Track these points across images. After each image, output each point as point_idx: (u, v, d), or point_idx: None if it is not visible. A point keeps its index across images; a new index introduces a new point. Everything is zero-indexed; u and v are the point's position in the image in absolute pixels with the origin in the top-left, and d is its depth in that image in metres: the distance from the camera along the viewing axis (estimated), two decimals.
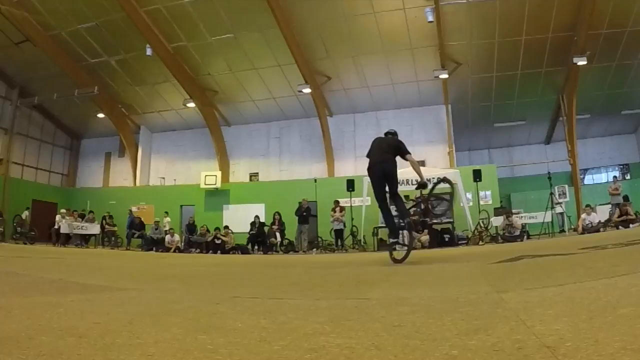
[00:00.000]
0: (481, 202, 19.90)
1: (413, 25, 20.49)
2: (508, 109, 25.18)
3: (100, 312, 2.75)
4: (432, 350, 1.69)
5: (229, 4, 20.22)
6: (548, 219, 18.79)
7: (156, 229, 21.33)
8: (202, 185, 24.80)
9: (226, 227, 20.61)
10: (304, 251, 18.96)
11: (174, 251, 20.17)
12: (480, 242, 17.26)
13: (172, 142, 28.07)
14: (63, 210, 22.19)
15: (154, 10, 20.68)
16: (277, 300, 3.45)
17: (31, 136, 27.12)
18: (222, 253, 19.08)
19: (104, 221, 22.52)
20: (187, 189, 25.62)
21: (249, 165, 26.66)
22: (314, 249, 19.06)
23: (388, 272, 6.08)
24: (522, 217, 19.75)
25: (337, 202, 19.77)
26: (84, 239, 21.60)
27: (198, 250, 20.31)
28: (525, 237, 18.00)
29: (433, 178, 18.53)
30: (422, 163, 23.27)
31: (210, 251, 19.72)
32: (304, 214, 19.70)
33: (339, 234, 19.30)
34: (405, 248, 7.29)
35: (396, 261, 7.06)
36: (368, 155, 7.64)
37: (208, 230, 20.78)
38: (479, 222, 18.49)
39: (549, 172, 19.80)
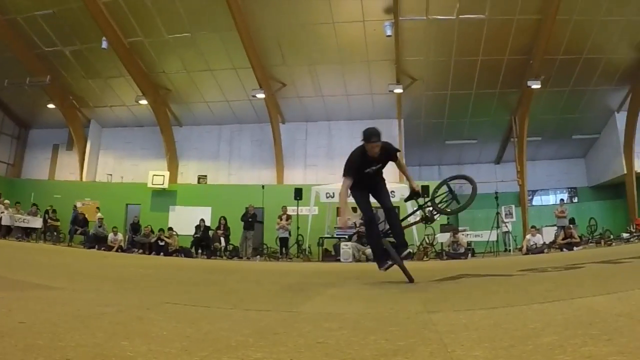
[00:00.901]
0: None
1: (371, 38, 20.63)
2: (460, 127, 25.53)
3: (27, 311, 2.81)
4: None
5: (189, 2, 20.02)
6: (493, 237, 19.07)
7: (99, 227, 20.81)
8: (150, 185, 24.26)
9: (170, 228, 20.25)
10: (248, 257, 18.83)
11: (117, 250, 19.72)
12: (425, 258, 17.37)
13: (122, 138, 27.43)
14: (6, 201, 21.47)
15: (113, 2, 20.29)
16: (207, 308, 3.53)
17: None
18: (165, 255, 18.70)
19: (46, 215, 21.88)
20: (134, 187, 25.06)
21: (198, 167, 26.24)
22: (258, 256, 18.95)
23: (326, 285, 6.15)
24: (468, 234, 20.00)
25: (284, 208, 19.72)
26: (26, 233, 20.93)
27: (141, 250, 19.87)
28: (470, 254, 18.15)
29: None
30: None
31: (153, 252, 19.29)
32: (250, 220, 19.54)
33: (284, 242, 19.24)
34: None
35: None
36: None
37: (152, 231, 20.34)
38: (424, 238, 18.61)
39: (496, 192, 20.09)
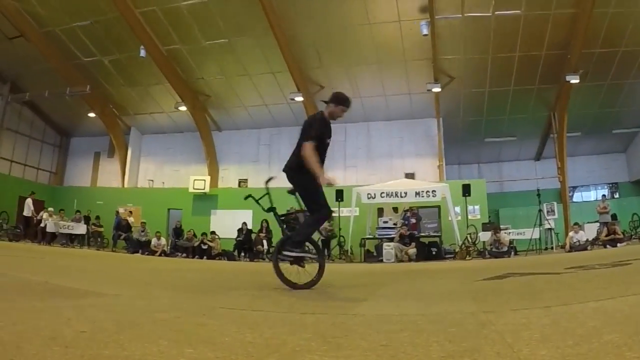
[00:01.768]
0: (469, 217, 19.93)
1: (407, 37, 20.56)
2: (499, 124, 25.29)
3: (86, 320, 2.75)
4: None
5: (225, 8, 20.15)
6: (536, 235, 18.80)
7: (142, 232, 21.14)
8: (191, 190, 24.64)
9: (213, 232, 20.53)
10: None
11: (160, 255, 19.97)
12: (467, 257, 17.20)
13: (162, 144, 27.91)
14: (50, 209, 21.97)
15: (150, 11, 20.61)
16: (262, 312, 3.45)
17: (21, 132, 26.88)
18: (208, 258, 18.96)
19: (90, 222, 22.32)
20: (175, 192, 25.49)
21: (238, 171, 26.52)
22: None
23: (374, 285, 6.09)
24: (509, 233, 19.71)
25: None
26: (70, 239, 21.37)
27: (184, 254, 20.12)
28: (513, 253, 17.97)
29: (423, 191, 18.90)
30: (412, 175, 23.34)
31: (197, 256, 19.56)
32: (292, 221, 19.53)
33: (326, 243, 19.23)
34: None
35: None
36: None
37: (195, 235, 20.63)
38: (466, 237, 18.43)
39: (538, 189, 19.83)
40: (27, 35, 21.76)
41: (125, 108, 26.66)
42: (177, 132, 27.61)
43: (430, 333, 2.40)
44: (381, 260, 16.98)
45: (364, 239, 18.97)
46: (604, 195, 23.73)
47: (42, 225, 21.17)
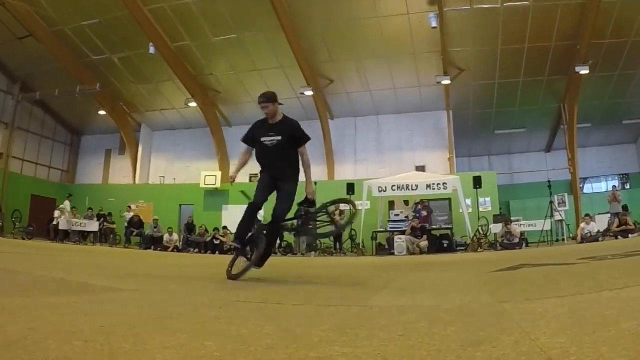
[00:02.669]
0: (480, 209, 19.90)
1: (416, 30, 20.53)
2: (509, 116, 25.20)
3: (104, 314, 2.76)
4: None
5: (233, 4, 20.22)
6: (547, 227, 18.79)
7: (155, 227, 21.27)
8: (202, 185, 24.80)
9: (225, 227, 20.58)
10: (302, 253, 18.93)
11: (172, 250, 20.13)
12: (479, 249, 17.22)
13: (173, 140, 28.01)
14: (62, 206, 22.11)
15: (158, 8, 20.68)
16: (280, 305, 3.46)
17: (32, 131, 26.99)
18: (220, 253, 19.03)
19: (102, 219, 22.43)
20: (186, 188, 25.62)
21: (248, 166, 25.93)
22: (312, 252, 19.00)
23: (387, 277, 6.10)
24: (521, 224, 19.71)
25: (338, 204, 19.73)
26: (82, 236, 21.54)
27: (196, 250, 20.28)
28: (524, 244, 17.97)
29: (434, 183, 18.93)
30: (422, 168, 23.33)
31: (209, 251, 19.71)
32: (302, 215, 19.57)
33: (337, 237, 19.26)
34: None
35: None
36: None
37: (207, 230, 20.75)
38: (477, 229, 18.44)
39: (549, 180, 19.74)
40: (36, 35, 21.88)
41: (135, 105, 26.77)
42: (187, 128, 27.70)
43: (447, 323, 2.40)
44: (392, 253, 17.00)
45: (375, 232, 19.01)
46: (614, 186, 23.61)
47: (54, 222, 21.28)
